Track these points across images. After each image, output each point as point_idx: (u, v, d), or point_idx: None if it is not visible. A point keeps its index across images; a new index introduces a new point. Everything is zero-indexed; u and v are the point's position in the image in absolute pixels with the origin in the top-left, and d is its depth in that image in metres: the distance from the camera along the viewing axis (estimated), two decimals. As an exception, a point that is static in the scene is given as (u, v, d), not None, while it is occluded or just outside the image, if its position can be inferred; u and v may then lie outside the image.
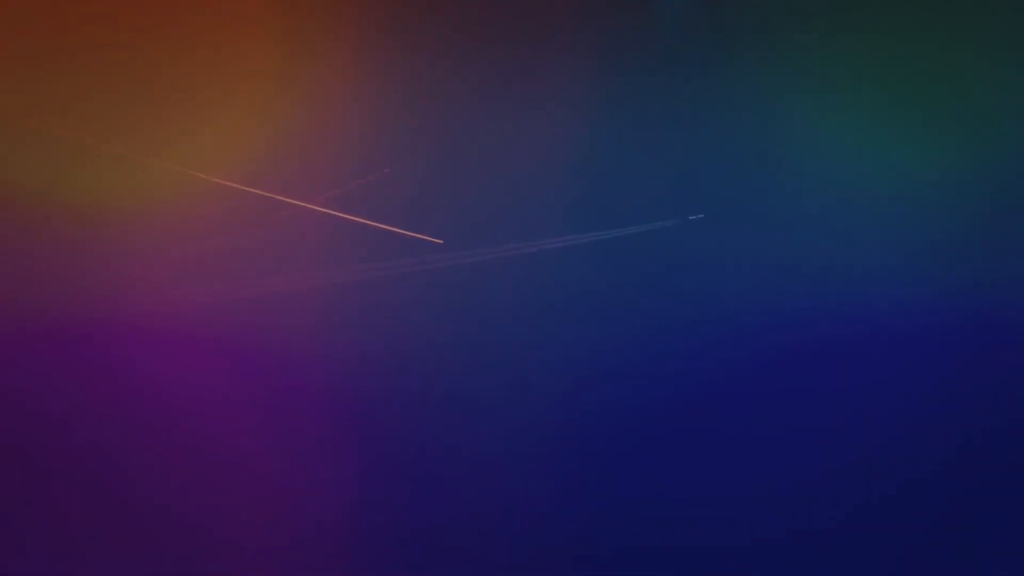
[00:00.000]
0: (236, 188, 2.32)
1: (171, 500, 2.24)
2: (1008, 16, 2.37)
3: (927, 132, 2.35)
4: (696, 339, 2.34)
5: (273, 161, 2.34)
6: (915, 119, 2.36)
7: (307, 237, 2.36)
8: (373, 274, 2.36)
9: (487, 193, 2.38)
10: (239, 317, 2.30)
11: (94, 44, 2.30)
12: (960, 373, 2.31)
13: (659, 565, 2.27)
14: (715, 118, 2.39)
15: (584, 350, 2.33)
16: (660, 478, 2.30)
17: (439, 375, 2.31)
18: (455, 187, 2.38)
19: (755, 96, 2.37)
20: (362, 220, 2.36)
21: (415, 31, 2.39)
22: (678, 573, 2.26)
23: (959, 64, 2.37)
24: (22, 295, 2.26)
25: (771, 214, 2.37)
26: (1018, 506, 2.26)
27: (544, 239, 2.38)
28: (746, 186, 2.38)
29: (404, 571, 2.25)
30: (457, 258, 2.38)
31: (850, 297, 2.33)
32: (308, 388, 2.30)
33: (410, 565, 2.25)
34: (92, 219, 2.26)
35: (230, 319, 2.30)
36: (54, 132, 2.28)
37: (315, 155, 2.36)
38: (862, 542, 2.27)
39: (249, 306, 2.32)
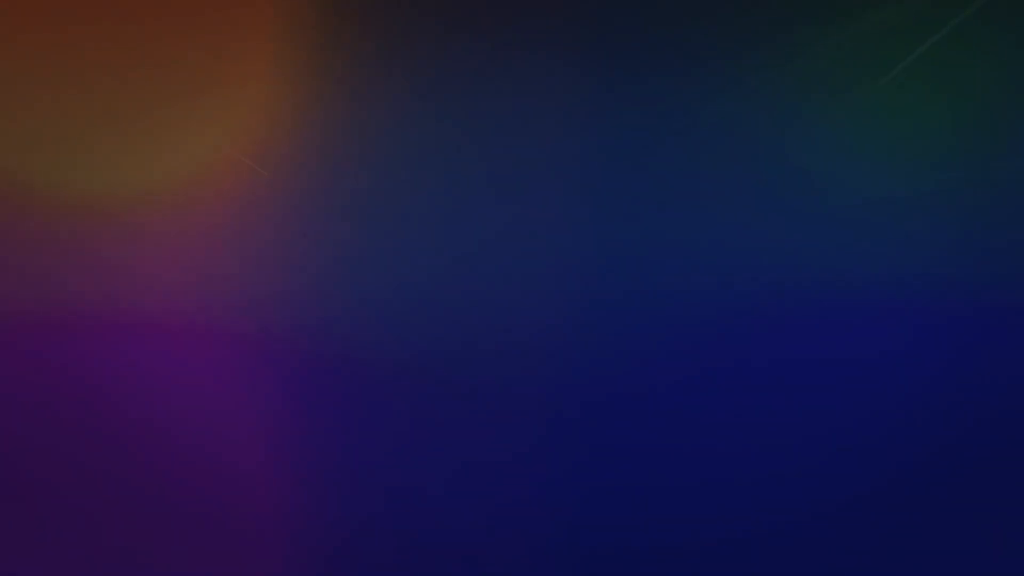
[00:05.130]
0: (241, 184, 2.32)
1: (174, 503, 2.25)
2: (1010, 15, 2.37)
3: (930, 133, 2.36)
4: (697, 341, 2.35)
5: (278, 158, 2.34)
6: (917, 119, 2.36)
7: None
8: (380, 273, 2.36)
9: (484, 192, 2.38)
10: (245, 317, 2.31)
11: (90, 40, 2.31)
12: (960, 372, 2.32)
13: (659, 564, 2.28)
14: (716, 117, 2.39)
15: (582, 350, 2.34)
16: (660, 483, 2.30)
17: (441, 376, 2.32)
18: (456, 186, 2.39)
19: (756, 96, 2.37)
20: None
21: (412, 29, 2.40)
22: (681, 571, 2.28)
23: (962, 63, 2.37)
24: (22, 294, 2.27)
25: (770, 215, 2.37)
26: (1017, 507, 2.27)
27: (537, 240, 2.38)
28: (745, 187, 2.38)
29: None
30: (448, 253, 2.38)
31: (854, 300, 2.33)
32: (317, 390, 2.31)
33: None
34: (90, 217, 2.27)
35: (236, 319, 2.31)
36: (52, 130, 2.29)
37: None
38: (860, 542, 2.28)
39: (256, 305, 2.32)
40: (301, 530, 2.28)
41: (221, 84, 2.32)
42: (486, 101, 2.38)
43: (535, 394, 2.32)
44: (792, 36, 2.36)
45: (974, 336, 2.31)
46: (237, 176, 2.32)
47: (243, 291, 2.32)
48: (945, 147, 2.34)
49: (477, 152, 2.39)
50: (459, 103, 2.38)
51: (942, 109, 2.35)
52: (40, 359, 2.27)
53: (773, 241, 2.35)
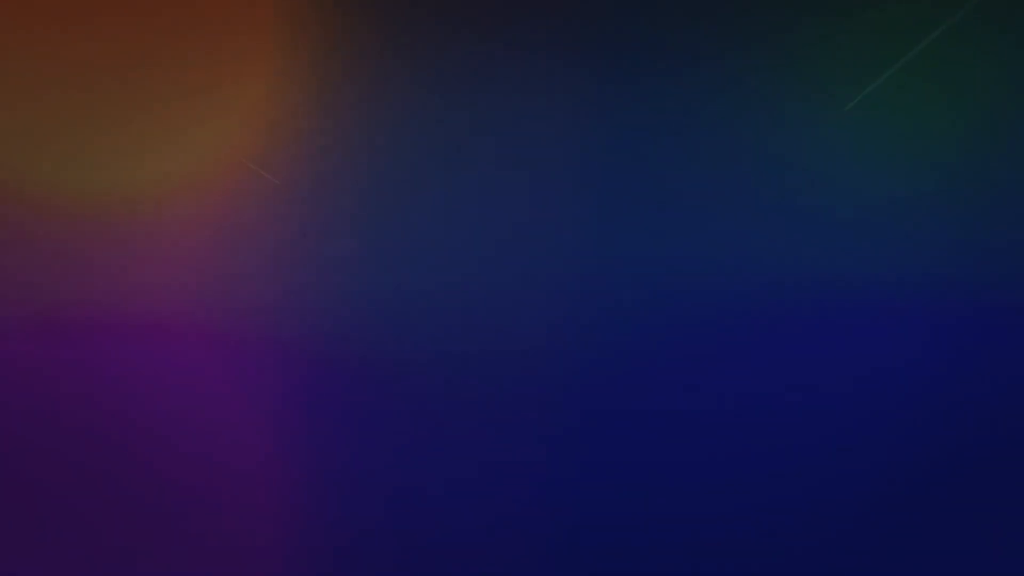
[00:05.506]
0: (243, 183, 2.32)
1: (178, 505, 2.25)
2: (1009, 15, 2.37)
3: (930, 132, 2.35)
4: (693, 343, 2.34)
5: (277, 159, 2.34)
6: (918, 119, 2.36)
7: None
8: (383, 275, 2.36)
9: (483, 192, 2.38)
10: (245, 318, 2.31)
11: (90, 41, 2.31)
12: (960, 373, 2.32)
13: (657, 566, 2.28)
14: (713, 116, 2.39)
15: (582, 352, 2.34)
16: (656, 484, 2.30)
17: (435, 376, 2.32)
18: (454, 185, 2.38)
19: (756, 96, 2.37)
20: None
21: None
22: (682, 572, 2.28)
23: (962, 62, 2.36)
24: (22, 295, 2.27)
25: (769, 215, 2.37)
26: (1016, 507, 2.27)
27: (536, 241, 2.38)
28: (745, 187, 2.38)
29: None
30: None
31: (854, 300, 2.33)
32: (318, 390, 2.31)
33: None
34: (91, 218, 2.27)
35: (236, 320, 2.30)
36: (53, 129, 2.29)
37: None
38: (858, 543, 2.28)
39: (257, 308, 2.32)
40: (303, 531, 2.28)
41: (223, 85, 2.32)
42: (486, 101, 2.37)
43: (535, 394, 2.32)
44: (792, 36, 2.36)
45: (974, 336, 2.31)
46: (238, 177, 2.32)
47: (242, 292, 2.32)
48: (945, 147, 2.34)
49: (477, 152, 2.39)
50: (459, 103, 2.38)
51: (942, 109, 2.35)
52: (40, 360, 2.27)
53: (773, 241, 2.35)
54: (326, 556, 2.27)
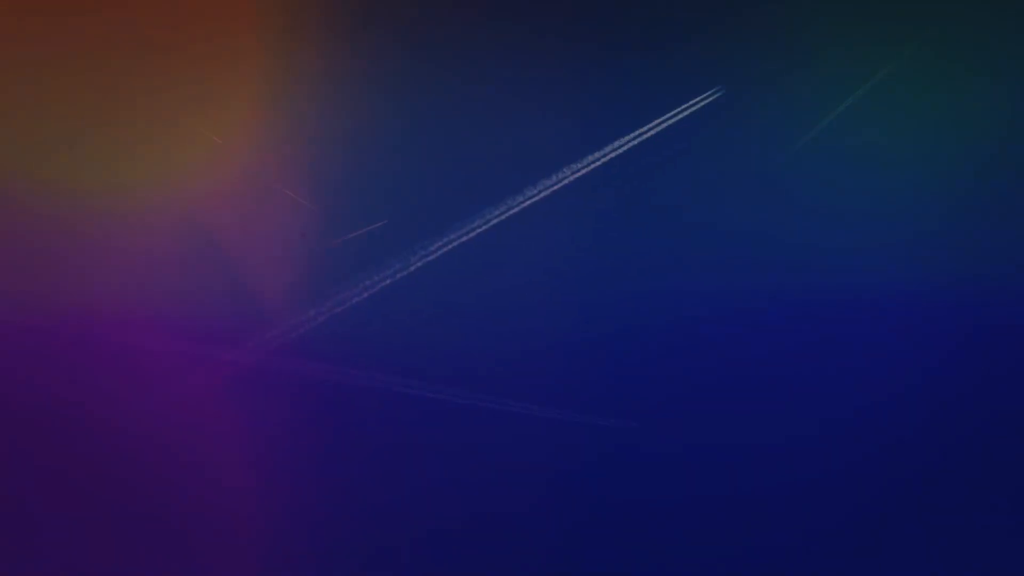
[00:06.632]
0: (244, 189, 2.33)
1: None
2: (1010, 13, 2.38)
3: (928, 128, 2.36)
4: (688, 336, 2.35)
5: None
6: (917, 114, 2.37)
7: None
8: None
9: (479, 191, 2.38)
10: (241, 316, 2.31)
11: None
12: (959, 370, 2.32)
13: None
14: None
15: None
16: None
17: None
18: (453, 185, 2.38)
19: (758, 96, 2.38)
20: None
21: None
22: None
23: (962, 58, 2.37)
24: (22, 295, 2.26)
25: (766, 210, 2.37)
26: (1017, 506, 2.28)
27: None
28: (741, 181, 2.38)
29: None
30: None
31: (855, 300, 2.33)
32: (315, 387, 2.31)
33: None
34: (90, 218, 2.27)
35: (231, 318, 2.30)
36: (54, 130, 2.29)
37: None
38: (856, 539, 2.29)
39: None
40: (298, 531, 2.28)
41: (226, 85, 2.32)
42: (486, 97, 2.37)
43: (538, 396, 2.32)
44: (792, 40, 2.37)
45: (974, 336, 2.31)
46: (237, 178, 2.32)
47: (240, 291, 2.32)
48: (944, 149, 2.35)
49: (476, 149, 2.39)
50: (457, 101, 2.38)
51: (942, 110, 2.36)
52: (40, 359, 2.27)
53: (774, 244, 2.36)
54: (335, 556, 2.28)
